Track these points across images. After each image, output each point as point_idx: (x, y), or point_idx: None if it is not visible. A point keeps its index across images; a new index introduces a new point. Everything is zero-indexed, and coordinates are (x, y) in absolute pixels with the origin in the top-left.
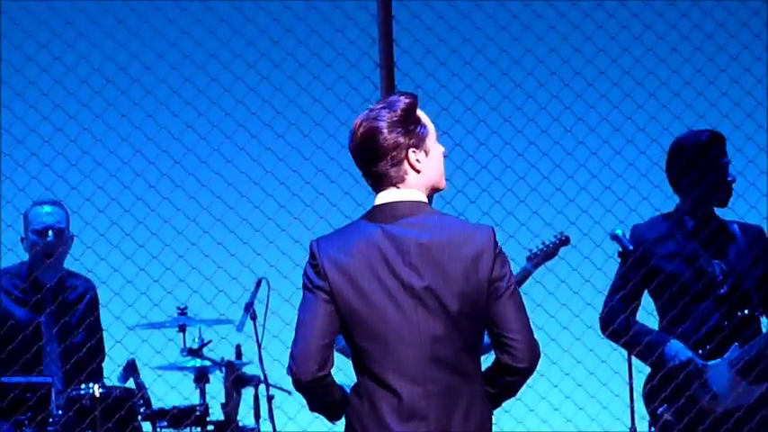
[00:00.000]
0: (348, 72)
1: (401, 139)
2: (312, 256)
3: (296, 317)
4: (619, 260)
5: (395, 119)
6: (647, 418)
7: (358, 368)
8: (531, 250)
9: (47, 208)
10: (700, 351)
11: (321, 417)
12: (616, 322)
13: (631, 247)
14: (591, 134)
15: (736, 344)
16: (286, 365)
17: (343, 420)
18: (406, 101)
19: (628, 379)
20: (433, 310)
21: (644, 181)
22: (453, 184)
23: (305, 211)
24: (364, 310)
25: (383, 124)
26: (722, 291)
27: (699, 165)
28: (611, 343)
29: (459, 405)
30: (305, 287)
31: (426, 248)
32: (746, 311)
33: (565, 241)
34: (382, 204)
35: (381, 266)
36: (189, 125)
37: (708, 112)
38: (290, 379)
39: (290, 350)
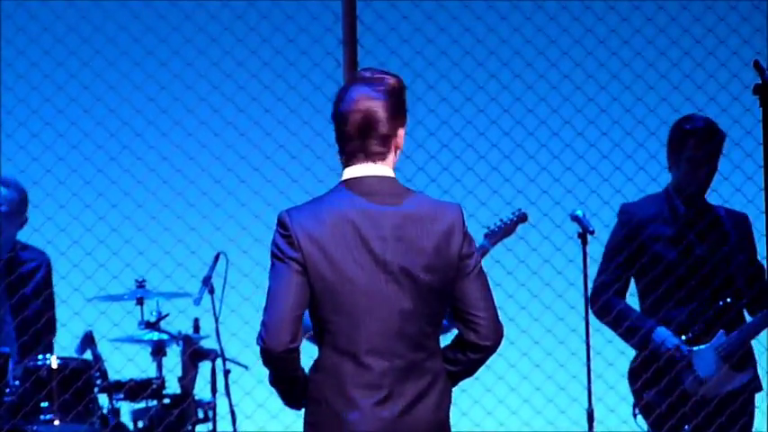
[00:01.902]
0: (311, 48)
1: (398, 122)
2: (283, 226)
3: (253, 292)
4: (579, 241)
5: (395, 101)
6: (632, 399)
7: (323, 342)
8: (488, 227)
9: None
10: (684, 337)
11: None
12: (600, 301)
13: (592, 228)
14: (552, 115)
15: (722, 331)
16: (243, 340)
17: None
18: (400, 81)
19: (585, 360)
20: (404, 285)
21: (605, 162)
22: (414, 162)
23: (265, 186)
24: (336, 282)
25: (386, 105)
26: (706, 275)
27: (673, 151)
28: (568, 324)
29: (421, 381)
30: (275, 257)
31: (398, 223)
32: (729, 300)
33: (522, 218)
34: (353, 178)
35: (354, 239)
36: (150, 98)
37: (670, 94)
38: (246, 353)
39: (262, 320)
